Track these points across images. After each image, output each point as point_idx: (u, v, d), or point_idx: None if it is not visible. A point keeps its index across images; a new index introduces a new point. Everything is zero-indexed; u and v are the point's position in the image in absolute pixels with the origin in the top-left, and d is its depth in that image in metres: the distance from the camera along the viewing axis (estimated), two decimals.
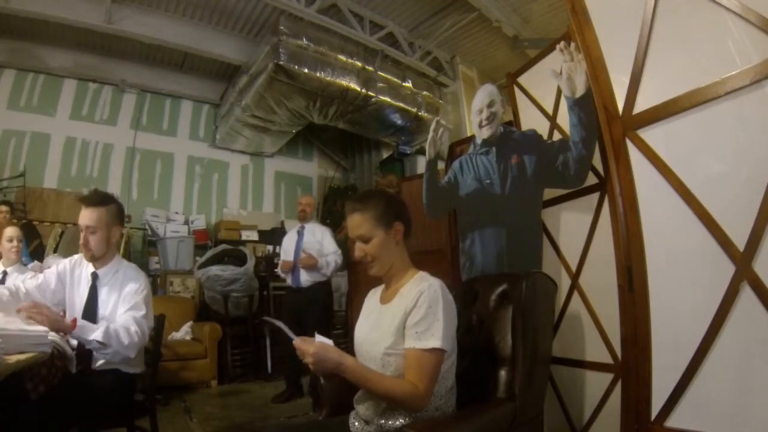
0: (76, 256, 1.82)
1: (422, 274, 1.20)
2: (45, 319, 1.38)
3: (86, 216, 1.64)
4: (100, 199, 1.70)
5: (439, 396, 1.12)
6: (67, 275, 1.77)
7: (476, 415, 1.16)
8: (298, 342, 1.06)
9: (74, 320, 1.52)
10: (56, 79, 5.15)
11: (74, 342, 1.60)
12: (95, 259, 1.70)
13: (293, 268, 3.31)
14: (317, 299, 3.26)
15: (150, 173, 5.64)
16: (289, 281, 3.37)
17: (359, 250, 1.20)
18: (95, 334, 1.48)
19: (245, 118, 5.25)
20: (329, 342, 1.12)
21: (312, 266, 3.25)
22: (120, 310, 1.66)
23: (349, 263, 3.63)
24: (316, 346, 1.04)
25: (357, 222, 1.19)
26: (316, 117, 5.14)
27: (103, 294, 1.71)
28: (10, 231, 2.62)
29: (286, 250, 3.48)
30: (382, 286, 1.30)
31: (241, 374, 4.24)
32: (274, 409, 3.16)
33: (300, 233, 3.45)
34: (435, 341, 1.05)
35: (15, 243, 2.61)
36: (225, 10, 4.79)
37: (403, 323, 1.10)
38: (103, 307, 1.69)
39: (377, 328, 1.19)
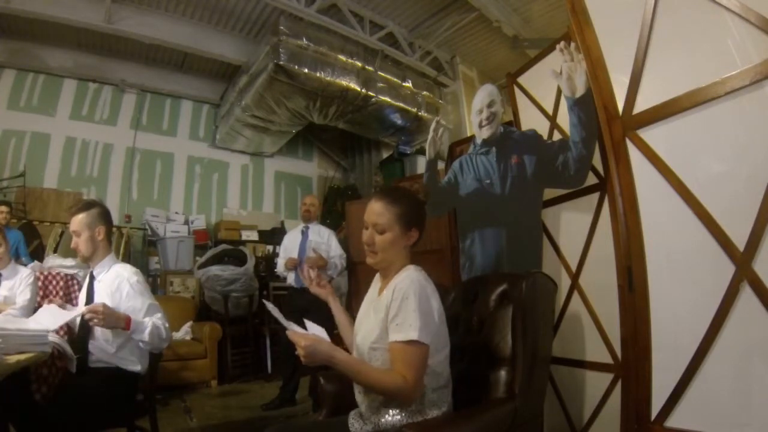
0: None
1: (406, 267, 1.19)
2: (102, 321, 1.53)
3: (71, 223, 1.81)
4: (81, 206, 1.85)
5: (432, 390, 1.12)
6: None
7: (476, 414, 1.16)
8: (291, 333, 1.06)
9: (128, 320, 1.61)
10: (56, 79, 5.15)
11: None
12: (87, 259, 1.84)
13: (299, 265, 3.30)
14: (321, 299, 3.23)
15: (150, 173, 5.65)
16: (290, 281, 3.35)
17: (369, 236, 1.19)
18: (143, 335, 1.64)
19: (245, 118, 5.25)
20: (321, 331, 1.13)
21: (321, 266, 3.26)
22: (140, 312, 1.73)
23: (351, 264, 3.63)
24: (308, 339, 1.04)
25: (379, 210, 1.18)
26: (316, 117, 5.14)
27: (98, 290, 1.80)
28: None
29: (288, 249, 3.45)
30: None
31: (241, 374, 4.24)
32: (273, 410, 3.15)
33: (304, 233, 3.43)
34: (413, 333, 1.05)
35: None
36: (225, 10, 4.79)
37: (386, 317, 1.11)
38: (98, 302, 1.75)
39: (369, 321, 1.20)
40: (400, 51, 5.29)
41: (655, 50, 1.45)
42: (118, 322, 1.58)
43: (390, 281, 1.20)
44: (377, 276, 1.34)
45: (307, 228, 3.45)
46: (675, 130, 1.39)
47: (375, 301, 1.24)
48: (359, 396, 1.20)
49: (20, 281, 2.43)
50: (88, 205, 1.85)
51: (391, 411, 1.11)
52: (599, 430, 1.74)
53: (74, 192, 4.98)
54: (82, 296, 1.87)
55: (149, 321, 1.67)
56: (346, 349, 1.29)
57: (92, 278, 1.83)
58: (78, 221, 1.78)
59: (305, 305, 3.25)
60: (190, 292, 4.79)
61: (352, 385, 1.23)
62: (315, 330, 1.17)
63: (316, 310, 3.22)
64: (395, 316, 1.08)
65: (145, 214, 5.34)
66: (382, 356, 1.11)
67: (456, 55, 5.71)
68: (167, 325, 1.74)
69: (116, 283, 1.75)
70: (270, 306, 1.19)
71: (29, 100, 4.98)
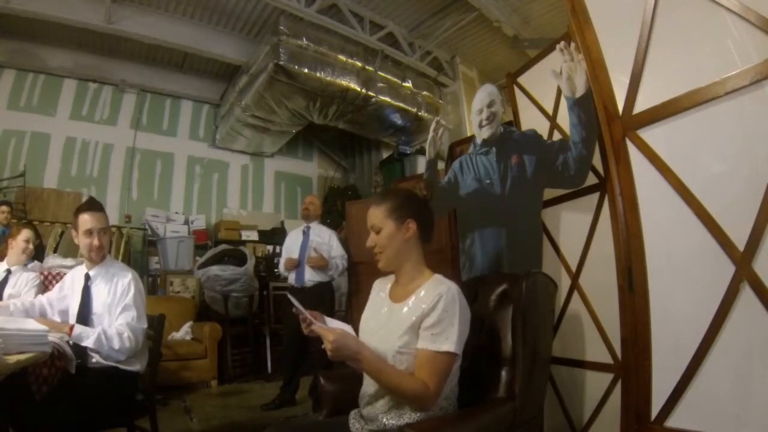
0: (78, 267, 1.93)
1: (438, 277, 1.20)
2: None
3: (97, 219, 1.77)
4: (101, 204, 1.84)
5: (444, 396, 1.13)
6: (66, 284, 1.91)
7: (476, 414, 1.16)
8: (318, 328, 1.07)
9: (71, 327, 1.61)
10: (56, 79, 5.15)
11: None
12: (103, 258, 1.82)
13: (298, 266, 3.31)
14: (321, 299, 3.23)
15: (150, 173, 5.64)
16: (291, 280, 3.36)
17: (370, 240, 1.24)
18: (88, 341, 1.60)
19: (245, 118, 5.25)
20: (347, 327, 1.14)
21: (322, 267, 3.27)
22: (115, 311, 1.73)
23: (351, 264, 3.63)
24: (336, 333, 1.05)
25: (373, 213, 1.24)
26: (316, 117, 5.14)
27: (95, 292, 1.78)
28: (27, 233, 2.69)
29: (290, 249, 3.46)
30: (390, 278, 1.31)
31: (241, 374, 4.24)
32: (273, 410, 3.15)
33: (305, 233, 3.44)
34: (449, 345, 1.06)
35: (30, 245, 2.68)
36: (225, 10, 4.79)
37: (418, 324, 1.11)
38: (97, 304, 1.76)
39: (389, 325, 1.18)
40: (400, 51, 5.29)
41: (655, 50, 1.45)
42: (62, 327, 1.60)
43: (414, 288, 1.19)
44: (379, 280, 1.34)
45: (308, 228, 3.46)
46: (675, 130, 1.39)
47: (393, 307, 1.22)
48: (365, 398, 1.19)
49: (26, 282, 2.53)
50: (102, 205, 1.84)
51: (399, 414, 1.11)
52: (599, 430, 1.74)
53: (74, 192, 4.98)
54: (76, 296, 1.81)
55: (98, 329, 1.64)
56: None
57: (87, 278, 1.81)
58: (104, 219, 1.78)
59: (305, 304, 3.26)
60: (190, 292, 4.79)
61: (352, 386, 1.23)
62: (339, 325, 1.17)
63: (319, 310, 3.25)
64: (433, 325, 1.08)
65: (145, 214, 5.33)
66: (408, 360, 1.11)
67: (456, 55, 5.71)
68: (128, 335, 1.65)
69: (114, 285, 1.76)
70: (293, 300, 1.18)
71: (29, 100, 4.98)
